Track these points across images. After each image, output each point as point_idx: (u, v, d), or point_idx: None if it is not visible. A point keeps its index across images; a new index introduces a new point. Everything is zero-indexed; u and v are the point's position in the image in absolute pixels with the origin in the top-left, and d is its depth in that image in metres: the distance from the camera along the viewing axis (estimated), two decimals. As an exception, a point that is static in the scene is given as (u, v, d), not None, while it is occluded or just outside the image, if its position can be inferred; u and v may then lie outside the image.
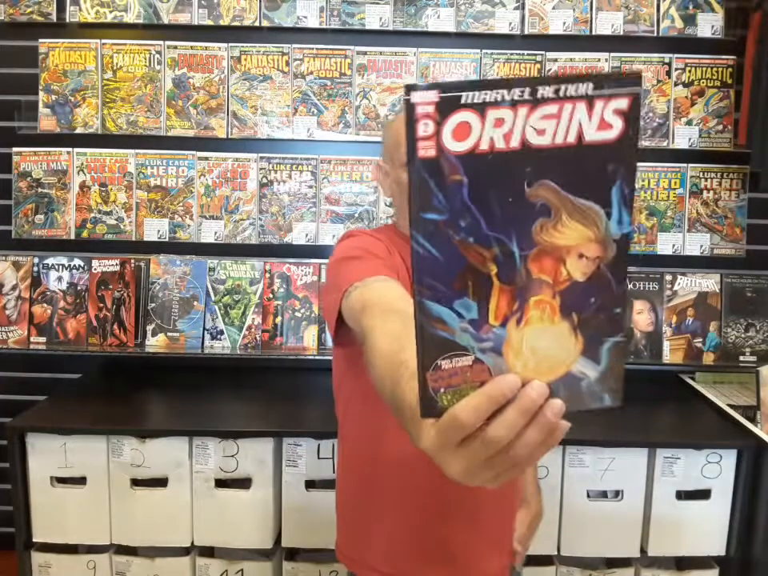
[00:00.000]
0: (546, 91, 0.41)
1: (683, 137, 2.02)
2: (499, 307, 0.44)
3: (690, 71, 2.02)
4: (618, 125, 0.41)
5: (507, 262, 0.43)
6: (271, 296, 2.03)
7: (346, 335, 0.95)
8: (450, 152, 0.41)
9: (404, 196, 1.09)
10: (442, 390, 0.45)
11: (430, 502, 1.08)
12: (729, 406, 1.81)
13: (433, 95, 0.40)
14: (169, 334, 2.00)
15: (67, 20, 2.00)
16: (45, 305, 2.02)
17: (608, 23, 1.99)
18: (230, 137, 2.02)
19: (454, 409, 0.43)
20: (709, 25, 1.99)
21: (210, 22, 1.99)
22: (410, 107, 0.40)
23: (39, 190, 2.04)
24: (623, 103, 0.41)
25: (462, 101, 0.40)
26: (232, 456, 1.67)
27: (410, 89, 0.40)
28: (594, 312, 0.45)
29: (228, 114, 2.01)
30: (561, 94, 0.41)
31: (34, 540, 1.71)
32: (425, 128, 0.41)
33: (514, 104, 0.41)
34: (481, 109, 0.41)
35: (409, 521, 1.11)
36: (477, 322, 0.44)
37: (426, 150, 0.41)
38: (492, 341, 0.44)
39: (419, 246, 0.43)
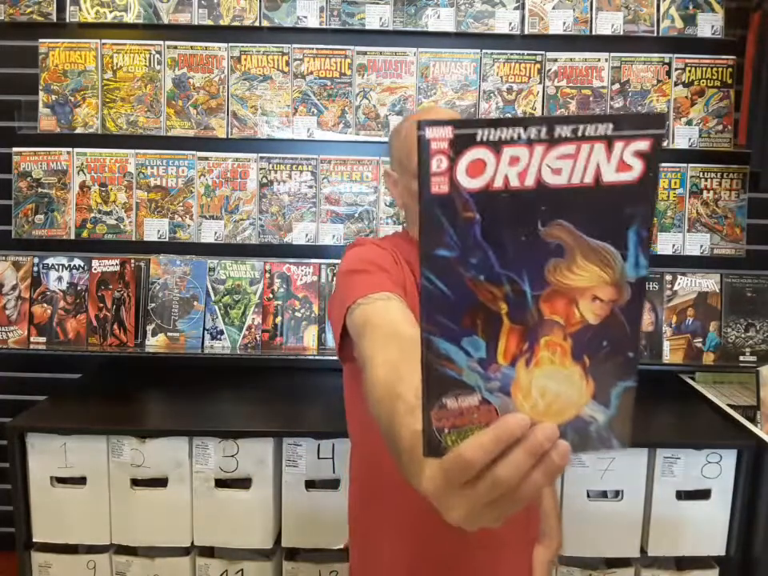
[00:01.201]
0: (563, 131, 0.40)
1: (683, 137, 2.02)
2: (508, 347, 0.43)
3: (689, 71, 2.02)
4: (637, 166, 0.40)
5: (518, 301, 0.42)
6: (271, 296, 2.03)
7: (351, 349, 0.95)
8: (463, 189, 0.41)
9: (416, 204, 1.07)
10: (447, 429, 0.44)
11: (438, 522, 1.03)
12: (729, 405, 1.81)
13: (447, 131, 0.40)
14: (169, 334, 2.00)
15: (67, 20, 1.99)
16: (45, 305, 2.02)
17: (608, 23, 1.99)
18: (229, 137, 2.02)
19: (459, 447, 0.42)
20: (709, 25, 1.99)
21: (210, 22, 1.99)
22: (423, 143, 0.40)
23: (39, 190, 2.04)
24: (644, 145, 0.40)
25: (478, 138, 0.40)
26: (232, 456, 1.67)
27: (423, 124, 0.40)
28: (606, 355, 0.43)
29: (228, 114, 2.01)
30: (579, 133, 0.40)
31: (34, 540, 1.71)
32: (438, 164, 0.40)
33: (530, 142, 0.40)
34: (496, 146, 0.40)
35: (415, 539, 1.07)
36: (485, 361, 0.43)
37: (439, 186, 0.40)
38: (500, 381, 0.43)
39: (428, 282, 0.42)
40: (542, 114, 2.01)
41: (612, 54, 2.01)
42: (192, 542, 1.70)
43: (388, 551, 1.10)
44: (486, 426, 0.43)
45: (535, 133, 0.40)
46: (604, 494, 1.72)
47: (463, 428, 0.44)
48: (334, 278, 2.00)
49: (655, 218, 2.03)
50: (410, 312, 0.88)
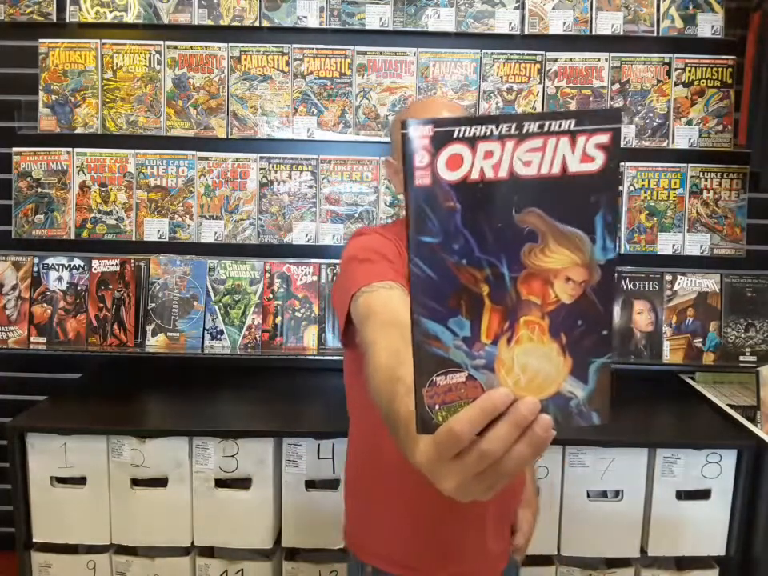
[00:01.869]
0: (531, 126, 0.44)
1: (683, 137, 2.02)
2: (490, 326, 0.47)
3: (689, 71, 2.02)
4: (599, 158, 0.44)
5: (498, 283, 0.46)
6: (271, 296, 2.03)
7: (354, 336, 0.98)
8: (443, 181, 0.44)
9: None
10: (437, 406, 0.47)
11: (434, 496, 1.08)
12: (729, 405, 1.81)
13: (428, 129, 0.44)
14: (169, 334, 2.00)
15: (67, 20, 2.00)
16: (45, 305, 2.02)
17: (608, 23, 1.99)
18: (230, 137, 2.02)
19: (449, 422, 0.45)
20: (709, 25, 1.99)
21: (210, 22, 1.99)
22: (407, 140, 0.44)
23: (39, 189, 2.04)
24: (604, 138, 0.44)
25: (455, 135, 0.44)
26: (232, 456, 1.67)
27: (407, 124, 0.44)
28: (582, 333, 0.47)
29: (228, 114, 2.01)
30: (545, 129, 0.44)
31: (34, 540, 1.71)
32: (421, 159, 0.44)
33: (501, 138, 0.44)
34: (471, 142, 0.44)
35: (413, 513, 1.13)
36: (470, 340, 0.47)
37: (422, 179, 0.44)
38: (484, 358, 0.47)
39: (416, 266, 0.45)
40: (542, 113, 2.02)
41: (612, 54, 2.01)
42: (192, 542, 1.70)
43: (387, 526, 1.15)
44: (473, 401, 0.46)
45: (506, 129, 0.44)
46: (604, 494, 1.72)
47: (452, 404, 0.47)
48: (337, 272, 2.02)
49: (655, 218, 2.03)
50: None
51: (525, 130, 0.44)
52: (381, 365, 0.71)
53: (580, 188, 0.45)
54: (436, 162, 0.44)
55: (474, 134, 0.44)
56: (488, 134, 0.44)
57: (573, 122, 0.44)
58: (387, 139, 1.99)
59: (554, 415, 0.46)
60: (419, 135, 0.44)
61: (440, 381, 0.47)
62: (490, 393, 0.45)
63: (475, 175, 0.44)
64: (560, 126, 0.44)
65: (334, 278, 2.04)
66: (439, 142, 0.44)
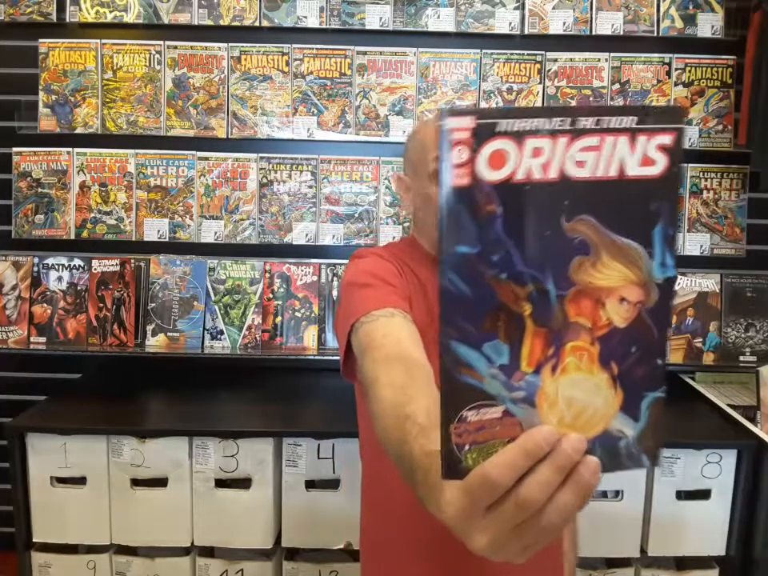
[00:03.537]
0: (587, 122, 0.39)
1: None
2: (533, 352, 0.41)
3: (689, 71, 2.02)
4: (661, 161, 0.39)
5: (542, 301, 0.40)
6: (271, 296, 2.03)
7: (356, 368, 0.93)
8: (484, 180, 0.39)
9: (429, 208, 1.05)
10: (467, 446, 0.41)
11: (450, 548, 0.94)
12: (729, 405, 1.81)
13: (469, 121, 0.38)
14: (169, 334, 2.00)
15: (67, 20, 1.99)
16: (45, 305, 2.02)
17: (608, 23, 1.99)
18: (229, 137, 2.02)
19: (483, 466, 0.39)
20: (709, 25, 1.99)
21: (209, 22, 1.99)
22: (443, 133, 0.38)
23: (39, 190, 2.04)
24: (667, 139, 0.39)
25: (499, 128, 0.38)
26: (232, 456, 1.67)
27: (445, 113, 0.38)
28: (635, 362, 0.41)
29: (228, 114, 2.01)
30: (603, 125, 0.39)
31: (34, 540, 1.71)
32: (459, 155, 0.38)
33: (553, 133, 0.38)
34: (518, 137, 0.38)
35: (425, 570, 1.01)
36: (508, 368, 0.41)
37: (460, 178, 0.39)
38: (524, 390, 0.41)
39: (448, 281, 0.39)
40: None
41: (612, 54, 2.01)
42: (192, 542, 1.70)
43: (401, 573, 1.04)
44: (510, 441, 0.40)
45: (558, 123, 0.38)
46: (604, 494, 1.72)
47: (485, 444, 0.41)
48: (337, 283, 2.02)
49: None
50: (415, 329, 0.86)
51: (580, 126, 0.38)
52: (387, 403, 0.65)
53: (638, 194, 0.39)
54: (477, 158, 0.38)
55: (522, 127, 0.38)
56: (538, 128, 0.38)
57: (635, 119, 0.38)
58: (387, 139, 2.00)
59: (600, 458, 0.40)
60: (458, 127, 0.38)
61: (471, 416, 0.40)
62: (533, 432, 0.39)
63: (521, 175, 0.38)
64: (620, 122, 0.38)
65: (334, 279, 2.04)
66: (481, 136, 0.38)
